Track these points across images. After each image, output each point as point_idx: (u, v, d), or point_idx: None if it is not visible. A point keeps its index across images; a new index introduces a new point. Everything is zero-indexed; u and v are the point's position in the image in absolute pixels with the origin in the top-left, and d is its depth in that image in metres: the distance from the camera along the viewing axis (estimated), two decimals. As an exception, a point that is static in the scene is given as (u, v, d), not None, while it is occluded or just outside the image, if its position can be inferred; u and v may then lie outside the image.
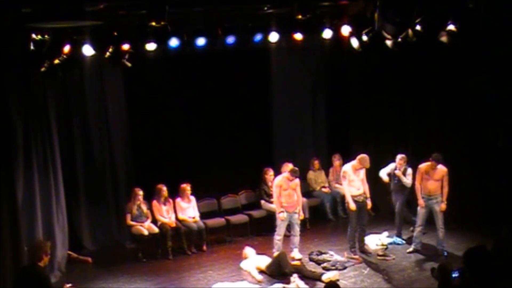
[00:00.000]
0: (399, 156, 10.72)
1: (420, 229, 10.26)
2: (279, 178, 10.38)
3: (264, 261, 9.86)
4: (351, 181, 10.20)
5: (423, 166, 10.11)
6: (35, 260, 7.04)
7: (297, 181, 10.31)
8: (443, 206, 10.01)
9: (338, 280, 9.11)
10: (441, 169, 9.97)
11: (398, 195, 10.92)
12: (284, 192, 10.18)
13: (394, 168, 10.75)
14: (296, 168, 10.28)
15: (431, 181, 10.01)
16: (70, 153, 11.09)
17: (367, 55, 10.44)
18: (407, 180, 10.66)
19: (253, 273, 9.70)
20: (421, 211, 10.16)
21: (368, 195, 10.33)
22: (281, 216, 10.12)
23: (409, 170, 10.67)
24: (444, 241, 10.09)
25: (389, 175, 10.87)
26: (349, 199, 10.22)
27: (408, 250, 10.40)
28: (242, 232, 11.66)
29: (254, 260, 10.00)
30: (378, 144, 12.47)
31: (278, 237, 10.18)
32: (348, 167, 10.30)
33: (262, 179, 11.95)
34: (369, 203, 10.37)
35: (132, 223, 10.84)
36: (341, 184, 12.16)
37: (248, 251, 10.28)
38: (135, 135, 11.78)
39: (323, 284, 9.13)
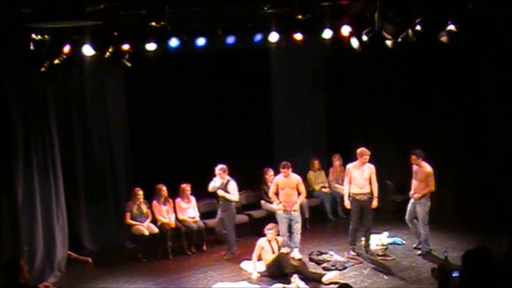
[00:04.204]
0: (218, 167, 10.35)
1: (411, 225, 10.29)
2: (277, 176, 10.52)
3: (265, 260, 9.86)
4: (354, 179, 10.19)
5: (415, 165, 10.22)
6: (14, 278, 6.20)
7: (295, 179, 10.36)
8: (410, 194, 10.11)
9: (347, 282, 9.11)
10: (425, 169, 10.00)
11: (227, 214, 10.49)
12: (282, 191, 10.29)
13: (221, 182, 10.31)
14: (285, 162, 10.39)
15: (414, 181, 10.12)
16: (70, 153, 11.08)
17: (367, 55, 10.44)
18: (233, 197, 10.39)
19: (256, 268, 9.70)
20: (410, 207, 10.20)
21: (375, 194, 10.18)
22: (280, 207, 10.27)
23: (232, 183, 10.28)
24: (428, 243, 10.13)
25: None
26: (345, 197, 10.28)
27: (414, 245, 10.45)
28: (242, 232, 11.65)
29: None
30: (378, 144, 12.46)
31: (281, 238, 10.16)
32: (350, 165, 10.34)
33: (262, 179, 11.95)
34: (374, 203, 10.20)
35: (132, 222, 10.84)
36: (341, 184, 12.20)
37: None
38: (135, 135, 11.78)
39: (323, 285, 9.16)
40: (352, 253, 10.28)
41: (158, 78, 11.56)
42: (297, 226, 10.33)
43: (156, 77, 11.46)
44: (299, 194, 10.45)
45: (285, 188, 10.27)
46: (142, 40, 8.70)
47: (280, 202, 10.31)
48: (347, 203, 10.30)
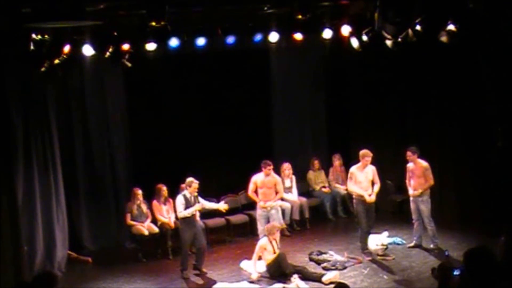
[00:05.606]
0: (195, 182, 9.79)
1: (417, 224, 10.33)
2: (256, 175, 10.69)
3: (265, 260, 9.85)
4: (359, 182, 10.18)
5: (409, 165, 10.30)
6: None
7: (274, 178, 10.52)
8: (411, 194, 10.21)
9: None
10: (421, 164, 10.13)
11: (199, 226, 10.12)
12: (260, 190, 10.60)
13: (190, 196, 9.79)
14: (266, 160, 10.69)
15: (414, 178, 10.21)
16: (70, 153, 11.09)
17: (367, 55, 10.44)
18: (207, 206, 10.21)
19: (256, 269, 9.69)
20: (412, 206, 10.28)
21: (376, 190, 10.15)
22: (261, 205, 10.58)
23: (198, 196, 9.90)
24: (436, 237, 10.21)
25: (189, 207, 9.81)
26: (362, 193, 10.07)
27: (409, 245, 10.48)
28: (242, 232, 11.66)
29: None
30: (378, 144, 12.45)
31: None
32: (353, 168, 10.31)
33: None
34: (372, 198, 10.08)
35: (132, 223, 10.85)
36: (341, 184, 12.21)
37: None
38: (135, 135, 11.78)
39: (323, 285, 9.16)
40: (366, 257, 10.17)
41: (158, 78, 11.56)
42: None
43: (156, 77, 11.46)
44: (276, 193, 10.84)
45: (263, 188, 10.54)
46: (142, 40, 8.70)
47: (260, 201, 10.59)
48: (369, 199, 10.06)
